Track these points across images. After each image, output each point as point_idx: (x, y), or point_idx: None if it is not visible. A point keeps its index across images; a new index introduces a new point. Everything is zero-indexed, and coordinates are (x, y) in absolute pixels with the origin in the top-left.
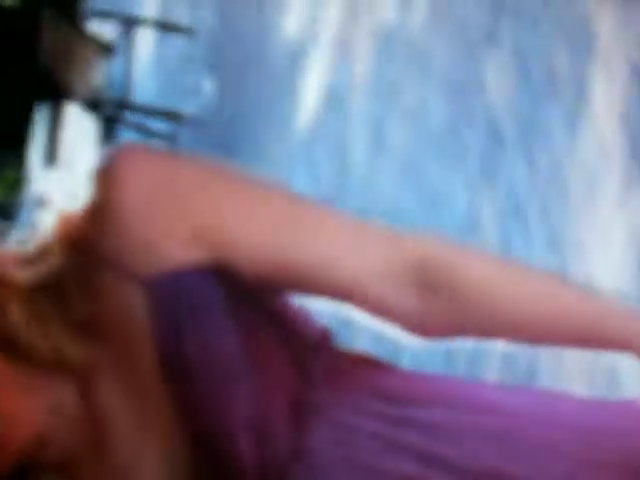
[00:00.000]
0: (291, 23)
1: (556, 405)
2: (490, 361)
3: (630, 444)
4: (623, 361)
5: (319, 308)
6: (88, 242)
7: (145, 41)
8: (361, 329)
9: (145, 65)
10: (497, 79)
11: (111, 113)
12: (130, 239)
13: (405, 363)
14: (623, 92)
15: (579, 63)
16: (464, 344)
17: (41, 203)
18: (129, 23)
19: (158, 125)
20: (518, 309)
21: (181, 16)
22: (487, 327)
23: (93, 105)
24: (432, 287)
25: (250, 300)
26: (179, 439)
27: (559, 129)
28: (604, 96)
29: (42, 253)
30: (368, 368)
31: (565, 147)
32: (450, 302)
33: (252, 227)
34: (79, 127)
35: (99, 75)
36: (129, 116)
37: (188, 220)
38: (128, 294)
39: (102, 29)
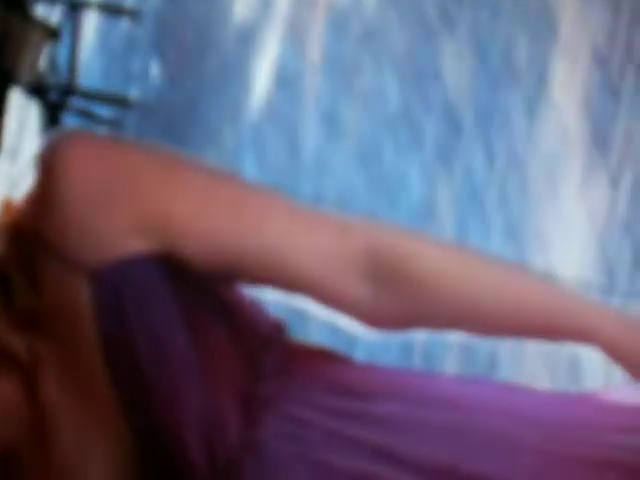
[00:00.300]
0: (242, 4)
1: (517, 399)
2: (449, 352)
3: (592, 437)
4: (585, 352)
5: (272, 300)
6: (32, 230)
7: (90, 24)
8: (315, 321)
9: (90, 49)
10: (454, 63)
11: (55, 99)
12: (74, 227)
13: (360, 355)
14: (584, 78)
15: (539, 48)
16: (420, 335)
17: None
18: (74, 6)
19: (103, 110)
20: (473, 299)
21: None
22: (442, 318)
23: (37, 91)
24: (383, 276)
25: (200, 291)
26: (127, 435)
27: (518, 115)
28: (565, 82)
29: None
30: (322, 361)
31: (525, 134)
32: (402, 292)
33: (200, 214)
34: (23, 113)
35: (44, 60)
36: (74, 101)
37: (134, 207)
38: (73, 284)
39: (47, 12)
